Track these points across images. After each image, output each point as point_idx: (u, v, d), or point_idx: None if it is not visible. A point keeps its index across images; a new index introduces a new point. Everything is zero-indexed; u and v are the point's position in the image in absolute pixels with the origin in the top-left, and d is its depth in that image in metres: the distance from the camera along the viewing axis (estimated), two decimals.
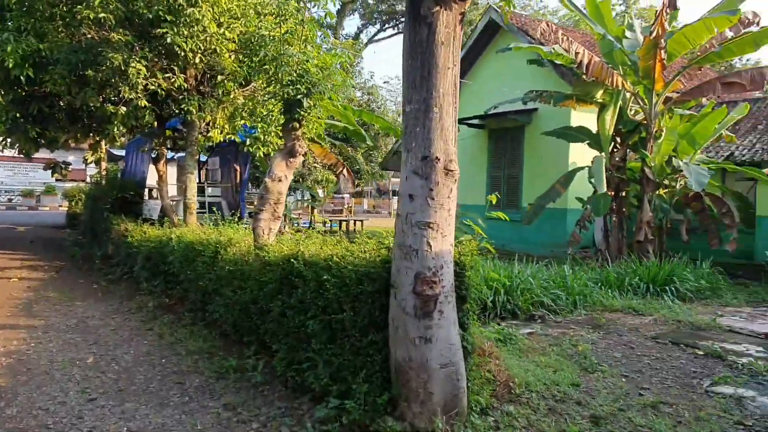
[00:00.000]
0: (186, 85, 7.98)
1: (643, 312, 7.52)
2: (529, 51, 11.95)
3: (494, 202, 5.84)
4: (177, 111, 8.36)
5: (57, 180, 25.18)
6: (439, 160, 3.44)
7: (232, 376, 4.84)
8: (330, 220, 23.62)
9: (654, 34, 9.57)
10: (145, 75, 6.94)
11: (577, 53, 10.47)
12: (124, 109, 7.54)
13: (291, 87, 5.83)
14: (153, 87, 7.28)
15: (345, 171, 13.51)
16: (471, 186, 16.85)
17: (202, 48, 7.31)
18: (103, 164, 18.45)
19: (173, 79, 7.47)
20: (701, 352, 5.61)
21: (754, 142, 13.70)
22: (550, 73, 13.97)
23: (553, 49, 10.60)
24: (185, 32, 6.90)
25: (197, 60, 7.40)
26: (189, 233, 7.53)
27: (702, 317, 7.33)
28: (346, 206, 37.05)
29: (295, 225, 23.70)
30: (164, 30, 6.83)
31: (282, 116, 6.02)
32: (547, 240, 14.42)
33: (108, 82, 7.02)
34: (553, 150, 14.17)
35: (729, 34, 10.55)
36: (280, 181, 5.72)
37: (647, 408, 4.13)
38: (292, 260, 4.57)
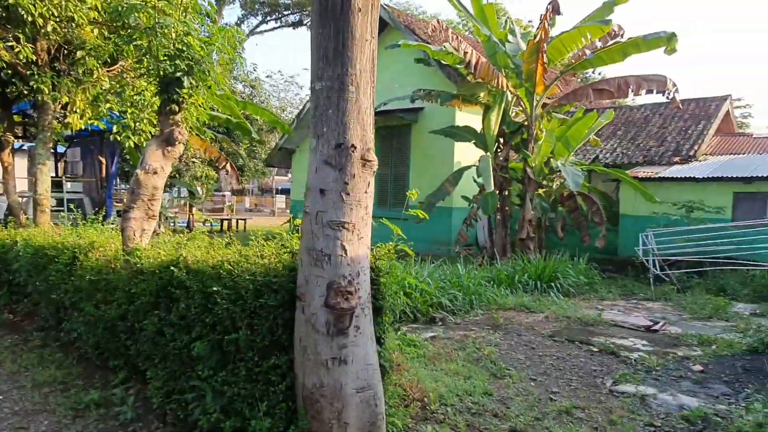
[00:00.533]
0: (36, 59, 6.70)
1: (534, 309, 7.64)
2: (417, 49, 11.85)
3: (414, 198, 5.42)
4: (26, 91, 7.00)
5: None
6: (355, 148, 2.96)
7: (94, 412, 3.95)
8: (210, 219, 22.12)
9: (538, 38, 9.89)
10: None
11: (465, 53, 10.53)
12: None
13: (168, 63, 5.00)
14: None
15: (228, 167, 12.51)
16: None
17: (56, 14, 6.12)
18: None
19: (17, 50, 6.18)
20: (596, 349, 5.71)
21: (615, 146, 14.91)
22: (436, 73, 14.07)
23: (444, 47, 10.58)
24: None
25: (50, 29, 6.19)
26: (39, 235, 6.30)
27: (587, 312, 7.61)
28: (227, 204, 35.17)
29: (172, 225, 21.88)
30: None
31: (157, 98, 5.15)
32: (433, 237, 14.54)
33: None
34: (439, 149, 14.30)
35: (598, 44, 11.26)
36: (155, 173, 4.87)
37: (562, 415, 3.99)
38: (172, 268, 3.82)
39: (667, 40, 9.82)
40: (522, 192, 11.83)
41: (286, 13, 34.99)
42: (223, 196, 34.15)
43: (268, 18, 35.36)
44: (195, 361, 3.46)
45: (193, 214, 22.15)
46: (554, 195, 12.37)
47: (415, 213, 4.94)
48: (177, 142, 4.99)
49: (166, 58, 5.11)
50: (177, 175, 20.03)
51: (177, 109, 5.01)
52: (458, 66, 12.34)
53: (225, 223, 21.33)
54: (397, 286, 7.12)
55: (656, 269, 9.69)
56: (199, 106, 6.47)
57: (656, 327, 6.75)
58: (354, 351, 2.95)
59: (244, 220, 22.60)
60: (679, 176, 11.72)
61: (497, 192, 11.69)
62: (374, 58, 3.00)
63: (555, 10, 10.07)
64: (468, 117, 13.62)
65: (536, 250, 11.55)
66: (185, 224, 18.56)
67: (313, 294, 2.94)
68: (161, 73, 5.05)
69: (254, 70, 23.46)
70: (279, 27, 36.28)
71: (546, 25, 9.80)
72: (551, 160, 11.74)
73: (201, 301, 3.50)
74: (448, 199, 13.07)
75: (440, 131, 12.74)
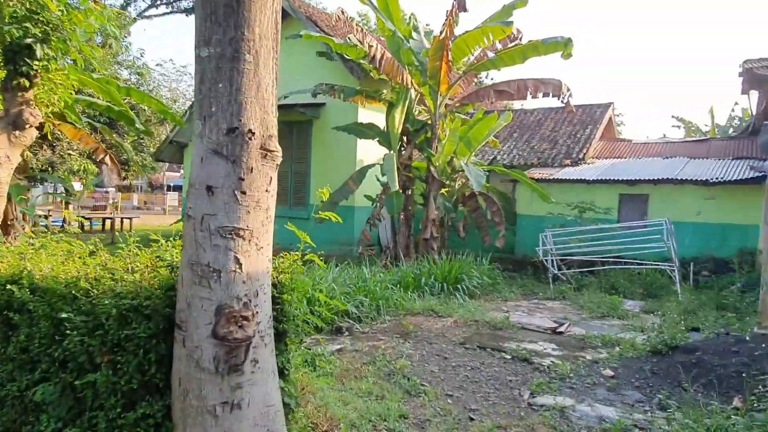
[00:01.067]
0: None
1: (443, 313, 7.38)
2: (319, 40, 11.26)
3: (326, 198, 4.83)
4: None
5: None
6: (253, 134, 2.37)
7: None
8: (89, 218, 19.90)
9: (443, 35, 9.71)
10: None
11: (370, 46, 10.13)
12: None
13: (16, 26, 4.03)
14: None
15: (108, 160, 11.09)
16: None
17: None
18: None
19: None
20: (509, 356, 5.50)
21: (512, 147, 15.30)
22: (339, 68, 13.54)
23: (348, 38, 10.10)
24: None
25: None
26: None
27: (494, 314, 7.48)
28: (111, 202, 32.18)
29: (42, 225, 19.39)
30: None
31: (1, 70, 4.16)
32: (335, 237, 14.02)
33: None
34: (341, 146, 13.80)
35: (498, 46, 11.36)
36: None
37: None
38: (10, 286, 2.97)
39: (564, 45, 10.06)
40: (425, 191, 11.66)
41: None
42: (107, 192, 31.25)
43: (158, 2, 32.79)
44: (39, 409, 2.67)
45: (68, 213, 19.85)
46: (456, 195, 12.36)
47: (326, 216, 4.35)
48: (27, 125, 4.05)
49: (13, 20, 4.13)
50: (50, 169, 17.79)
51: (28, 84, 4.06)
52: (362, 61, 11.94)
53: (108, 222, 19.28)
54: (300, 294, 6.53)
55: (555, 269, 9.88)
56: (65, 86, 5.46)
57: (561, 329, 6.74)
58: (251, 392, 2.35)
59: (130, 219, 20.65)
60: (571, 178, 12.16)
61: (401, 191, 11.42)
62: (278, 23, 2.43)
63: (461, 6, 9.95)
64: (371, 114, 13.24)
65: (439, 250, 11.44)
66: (59, 223, 16.49)
67: (198, 321, 2.31)
68: (7, 38, 4.07)
69: (141, 56, 21.50)
70: (171, 12, 33.74)
71: (451, 21, 9.65)
72: (454, 159, 11.69)
73: (48, 330, 2.71)
74: (350, 198, 12.61)
75: (343, 128, 12.25)
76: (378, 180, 12.06)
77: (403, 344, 5.84)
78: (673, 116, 44.70)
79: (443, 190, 11.83)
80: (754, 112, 14.63)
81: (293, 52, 14.95)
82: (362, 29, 10.25)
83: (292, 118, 14.66)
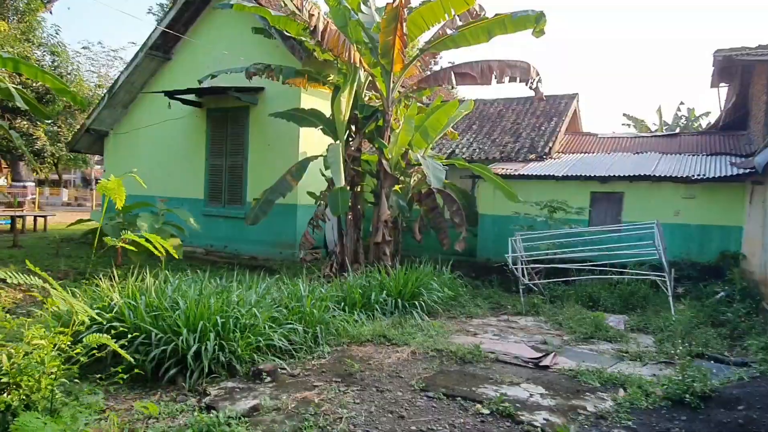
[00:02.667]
0: None
1: (397, 341, 5.94)
2: (254, 11, 9.60)
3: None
4: None
5: None
6: None
7: None
8: None
9: (396, 2, 8.21)
10: None
11: (311, 15, 8.56)
12: None
13: None
14: None
15: None
16: (187, 176, 13.78)
17: None
18: None
19: None
20: (486, 411, 4.09)
21: (471, 141, 14.05)
22: (279, 47, 11.89)
23: (283, 2, 8.47)
24: None
25: None
26: None
27: (460, 340, 6.11)
28: (29, 198, 29.23)
29: None
30: None
31: None
32: (276, 240, 12.40)
33: None
34: (282, 136, 12.16)
35: (459, 22, 10.01)
36: None
37: None
38: None
39: (535, 20, 8.79)
40: (377, 188, 10.20)
41: None
42: (24, 187, 28.33)
43: None
44: None
45: None
46: (411, 192, 10.97)
47: None
48: None
49: None
50: None
51: None
52: (303, 39, 10.36)
53: (18, 221, 16.87)
54: (208, 323, 4.94)
55: (526, 278, 8.61)
56: None
57: (546, 361, 5.41)
58: None
59: (45, 217, 18.24)
60: (539, 174, 10.98)
61: (348, 188, 9.91)
62: None
63: None
64: (316, 101, 11.67)
65: (393, 255, 10.02)
66: None
67: None
68: None
69: (57, 33, 19.08)
70: None
71: None
72: (409, 152, 10.28)
73: None
74: (292, 195, 11.01)
75: (281, 114, 10.63)
76: (323, 174, 10.51)
77: (344, 394, 4.35)
78: (624, 114, 44.93)
79: (397, 187, 10.40)
80: (723, 107, 13.91)
81: (227, 28, 13.20)
82: None
83: (226, 105, 12.93)
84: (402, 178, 10.62)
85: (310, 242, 10.14)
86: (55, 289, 3.47)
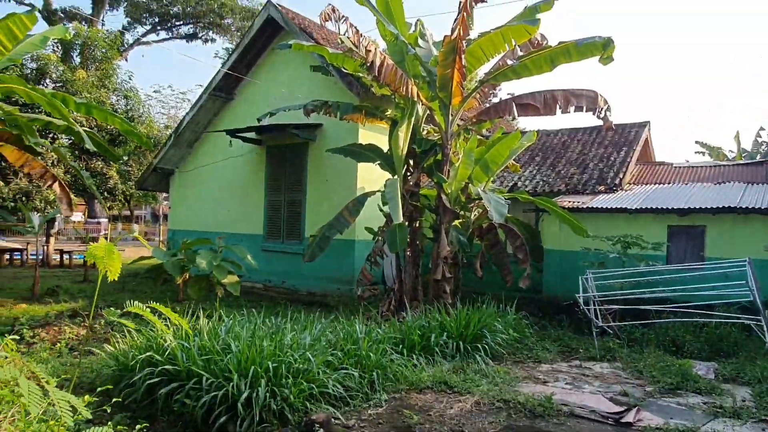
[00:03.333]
0: None
1: (460, 389, 5.50)
2: (312, 50, 9.68)
3: None
4: None
5: None
6: None
7: None
8: (68, 252, 18.31)
9: (455, 34, 8.03)
10: None
11: (368, 50, 8.49)
12: None
13: None
14: None
15: (57, 187, 9.51)
16: (247, 212, 13.99)
17: None
18: None
19: None
20: None
21: (534, 173, 13.52)
22: (336, 84, 11.99)
23: (340, 40, 8.48)
24: None
25: None
26: None
27: (529, 390, 5.60)
28: (102, 233, 30.75)
29: (19, 257, 17.82)
30: None
31: None
32: (333, 275, 12.25)
33: None
34: (339, 171, 12.13)
35: (520, 52, 9.70)
36: None
37: None
38: None
39: (602, 47, 8.36)
40: (436, 223, 9.88)
41: (177, 23, 31.82)
42: (98, 223, 29.82)
43: (158, 28, 31.99)
44: None
45: (48, 246, 18.29)
46: (472, 227, 10.55)
47: None
48: None
49: None
50: (23, 198, 16.34)
51: None
52: (361, 75, 10.35)
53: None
54: (260, 368, 4.72)
55: (599, 320, 7.95)
56: None
57: (629, 417, 4.82)
58: None
59: None
60: (609, 207, 10.30)
61: (406, 223, 9.64)
62: None
63: None
64: (373, 136, 11.58)
65: (453, 293, 9.59)
66: (37, 257, 14.91)
67: None
68: None
69: (130, 79, 20.37)
70: (170, 38, 32.97)
71: (465, 17, 7.99)
72: (469, 186, 9.92)
73: None
74: (350, 231, 10.88)
75: (340, 150, 10.57)
76: (381, 210, 10.32)
77: None
78: (696, 142, 42.64)
79: (456, 222, 10.02)
80: None
81: (286, 68, 13.49)
82: (357, 31, 8.63)
83: (285, 142, 13.10)
84: (462, 212, 10.25)
85: (368, 279, 9.91)
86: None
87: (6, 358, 3.69)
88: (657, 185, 12.12)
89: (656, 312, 8.22)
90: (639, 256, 9.25)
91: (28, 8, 20.57)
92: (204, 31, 32.66)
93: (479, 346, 6.90)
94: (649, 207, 9.87)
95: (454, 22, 8.15)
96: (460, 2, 8.10)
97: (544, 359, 7.21)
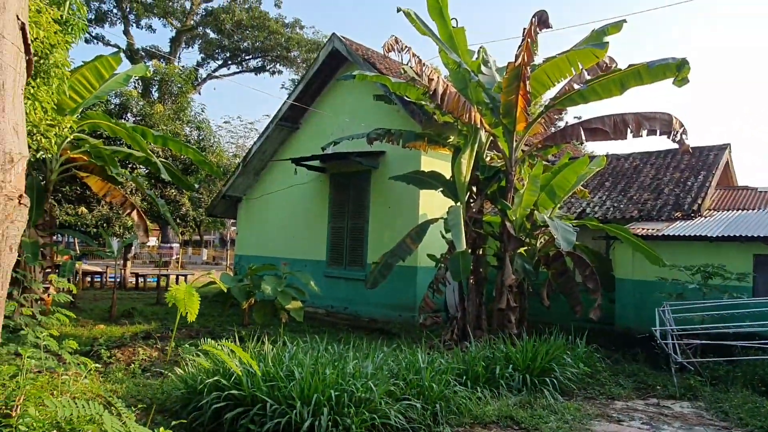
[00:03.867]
0: None
1: (527, 426, 5.27)
2: (375, 80, 9.87)
3: None
4: None
5: None
6: None
7: None
8: (143, 275, 19.29)
9: (519, 60, 7.95)
10: None
11: (431, 79, 8.55)
12: None
13: None
14: None
15: (135, 215, 10.08)
16: (310, 238, 14.26)
17: None
18: None
19: None
20: None
21: (604, 198, 13.03)
22: (399, 112, 12.14)
23: (403, 70, 8.58)
24: None
25: None
26: None
27: (601, 429, 5.29)
28: (174, 257, 32.14)
29: (99, 279, 18.92)
30: None
31: None
32: (395, 302, 12.20)
33: None
34: (402, 198, 12.18)
35: (587, 76, 9.45)
36: None
37: None
38: None
39: (676, 68, 8.01)
40: (500, 251, 9.66)
41: (247, 57, 33.43)
42: (171, 248, 31.22)
43: (229, 62, 33.72)
44: None
45: (124, 269, 19.34)
46: (538, 255, 10.24)
47: None
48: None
49: None
50: (104, 225, 17.39)
51: None
52: (423, 103, 10.41)
53: (163, 279, 18.51)
54: (322, 396, 4.72)
55: (678, 355, 7.44)
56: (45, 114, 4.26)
57: None
58: None
59: (185, 276, 19.83)
60: (688, 234, 9.72)
61: (470, 251, 9.49)
62: None
63: (542, 22, 8.19)
64: (436, 163, 11.59)
65: (518, 323, 9.28)
66: (116, 280, 15.80)
67: None
68: None
69: (203, 111, 21.59)
70: (240, 72, 34.66)
71: (529, 43, 7.89)
72: (535, 213, 9.67)
73: None
74: (412, 258, 10.84)
75: (402, 177, 10.62)
76: (443, 237, 10.22)
77: None
78: None
79: (521, 250, 9.76)
80: None
81: (349, 97, 13.80)
82: (420, 60, 8.71)
83: (348, 169, 13.32)
84: (527, 240, 9.99)
85: (431, 306, 9.78)
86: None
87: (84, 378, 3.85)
88: (740, 211, 11.36)
89: (742, 348, 7.61)
90: (722, 288, 8.64)
91: (115, 50, 22.25)
92: (271, 63, 34.12)
93: (547, 380, 6.60)
94: (732, 235, 9.24)
95: (519, 48, 8.07)
96: (524, 29, 8.03)
97: (618, 396, 6.80)
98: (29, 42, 0.93)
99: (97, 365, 5.51)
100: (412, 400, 5.23)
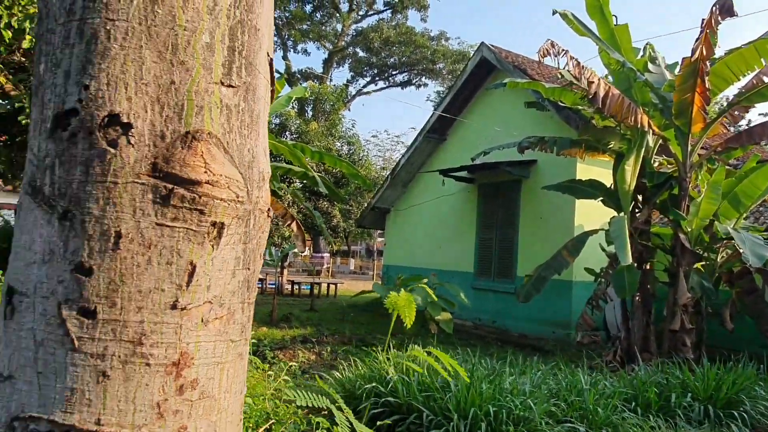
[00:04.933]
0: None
1: None
2: (526, 87, 9.59)
3: None
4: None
5: None
6: (129, 128, 0.74)
7: None
8: (298, 283, 20.71)
9: (696, 55, 7.12)
10: None
11: (591, 82, 8.02)
12: None
13: None
14: None
15: (294, 226, 10.81)
16: (457, 250, 14.17)
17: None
18: None
19: None
20: None
21: None
22: (552, 118, 11.60)
23: (560, 74, 8.18)
24: None
25: (26, 45, 4.82)
26: None
27: None
28: (325, 266, 34.05)
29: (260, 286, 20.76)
30: None
31: None
32: (547, 318, 11.60)
33: None
34: (556, 209, 11.59)
35: None
36: None
37: None
38: None
39: None
40: (671, 266, 8.71)
41: (394, 73, 34.53)
42: (322, 257, 33.11)
43: (377, 79, 35.11)
44: None
45: (282, 277, 20.87)
46: (718, 271, 9.07)
47: None
48: None
49: None
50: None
51: None
52: (580, 107, 9.84)
53: (315, 287, 19.69)
54: (479, 411, 4.58)
55: None
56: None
57: None
58: None
59: (336, 284, 20.86)
60: None
61: (635, 265, 8.69)
62: None
63: (726, 10, 7.23)
64: (593, 170, 10.85)
65: (695, 347, 8.28)
66: (275, 286, 17.20)
67: None
68: None
69: (352, 126, 22.80)
70: (387, 87, 35.90)
71: (708, 35, 7.04)
72: (715, 223, 8.58)
73: None
74: (567, 271, 10.22)
75: (556, 186, 10.09)
76: (603, 250, 9.51)
77: None
78: None
79: (698, 265, 8.71)
80: None
81: (498, 106, 13.53)
82: (578, 63, 8.23)
83: (497, 179, 13.04)
84: (705, 254, 8.89)
85: (589, 324, 9.13)
86: None
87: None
88: None
89: None
90: None
91: (278, 75, 24.37)
92: (417, 77, 34.87)
93: (735, 413, 5.75)
94: None
95: (696, 41, 7.25)
96: (703, 19, 7.19)
97: None
98: (274, 74, 1.03)
99: (264, 365, 5.94)
100: (575, 423, 4.87)
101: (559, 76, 8.54)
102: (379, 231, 32.82)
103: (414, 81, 34.55)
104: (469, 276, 13.70)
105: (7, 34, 5.27)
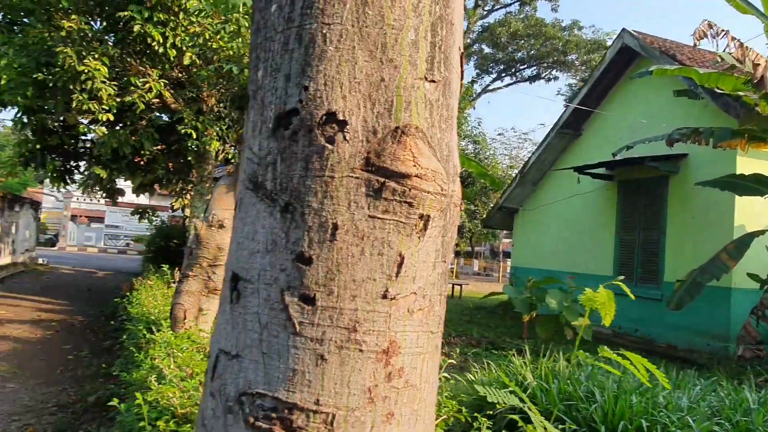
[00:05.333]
0: (202, 106, 6.01)
1: None
2: (677, 73, 8.78)
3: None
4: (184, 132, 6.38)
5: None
6: (345, 126, 0.79)
7: None
8: None
9: None
10: (105, 77, 4.96)
11: (756, 65, 7.14)
12: (104, 129, 5.63)
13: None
14: (129, 98, 5.32)
15: None
16: (593, 251, 13.37)
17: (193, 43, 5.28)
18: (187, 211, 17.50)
19: (148, 85, 5.48)
20: None
21: None
22: (707, 107, 10.49)
23: (720, 58, 7.38)
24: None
25: (186, 61, 5.38)
26: None
27: None
28: (449, 267, 33.83)
29: None
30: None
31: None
32: (700, 328, 10.51)
33: (66, 89, 5.16)
34: (710, 207, 10.46)
35: None
36: (221, 227, 3.26)
37: None
38: None
39: None
40: None
41: (521, 67, 33.47)
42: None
43: (503, 75, 34.27)
44: None
45: None
46: None
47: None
48: None
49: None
50: None
51: None
52: (742, 94, 8.80)
53: None
54: (630, 425, 4.27)
55: None
56: None
57: None
58: None
59: (461, 285, 20.69)
60: None
61: None
62: None
63: None
64: (756, 163, 9.66)
65: None
66: None
67: None
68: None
69: (478, 125, 22.37)
70: (514, 83, 34.89)
71: None
72: None
73: None
74: (725, 277, 9.19)
75: (713, 182, 9.13)
76: None
77: None
78: None
79: None
80: None
81: (640, 96, 12.54)
82: (742, 44, 7.35)
83: (639, 175, 12.09)
84: None
85: (753, 336, 8.15)
86: None
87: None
88: None
89: None
90: None
91: None
92: (547, 70, 33.49)
93: None
94: None
95: None
96: None
97: None
98: (464, 69, 1.06)
99: None
100: None
101: (719, 60, 7.69)
102: (505, 231, 32.04)
103: (543, 75, 33.20)
104: (607, 280, 12.71)
105: (172, 53, 5.94)
